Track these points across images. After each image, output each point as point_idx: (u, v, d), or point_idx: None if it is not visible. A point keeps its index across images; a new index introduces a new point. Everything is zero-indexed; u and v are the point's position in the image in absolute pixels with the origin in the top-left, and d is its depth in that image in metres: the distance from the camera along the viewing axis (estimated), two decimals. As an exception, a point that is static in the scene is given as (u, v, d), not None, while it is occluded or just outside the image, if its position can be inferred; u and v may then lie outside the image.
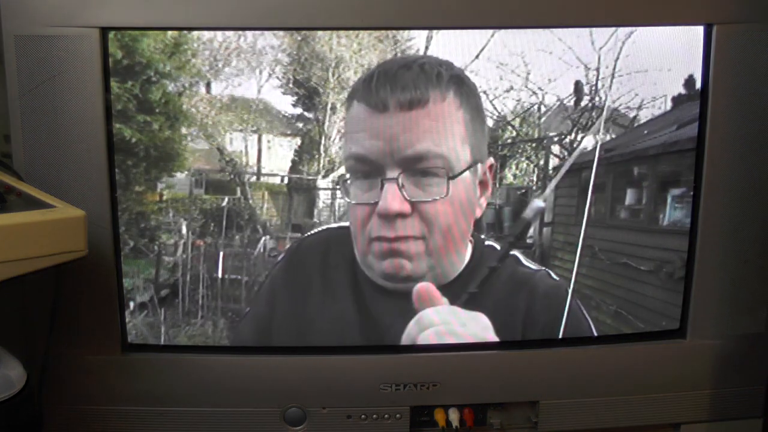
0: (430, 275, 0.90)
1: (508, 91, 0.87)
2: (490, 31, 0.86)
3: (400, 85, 0.85)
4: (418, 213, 0.88)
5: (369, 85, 0.86)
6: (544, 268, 0.92)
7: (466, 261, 0.91)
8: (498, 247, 0.92)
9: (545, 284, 0.92)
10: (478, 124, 0.88)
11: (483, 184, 0.90)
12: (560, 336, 0.93)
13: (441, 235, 0.89)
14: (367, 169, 0.87)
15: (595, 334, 0.94)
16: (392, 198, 0.87)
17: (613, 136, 0.90)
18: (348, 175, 0.89)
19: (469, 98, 0.87)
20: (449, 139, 0.87)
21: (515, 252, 0.92)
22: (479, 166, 0.89)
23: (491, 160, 0.89)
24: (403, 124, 0.85)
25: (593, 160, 0.90)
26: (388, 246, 0.88)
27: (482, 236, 0.91)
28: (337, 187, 0.89)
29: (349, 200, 0.89)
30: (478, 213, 0.90)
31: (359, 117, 0.87)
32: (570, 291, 0.92)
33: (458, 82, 0.86)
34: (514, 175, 0.90)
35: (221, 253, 0.90)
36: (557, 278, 0.92)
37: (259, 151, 0.88)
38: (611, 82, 0.88)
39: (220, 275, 0.91)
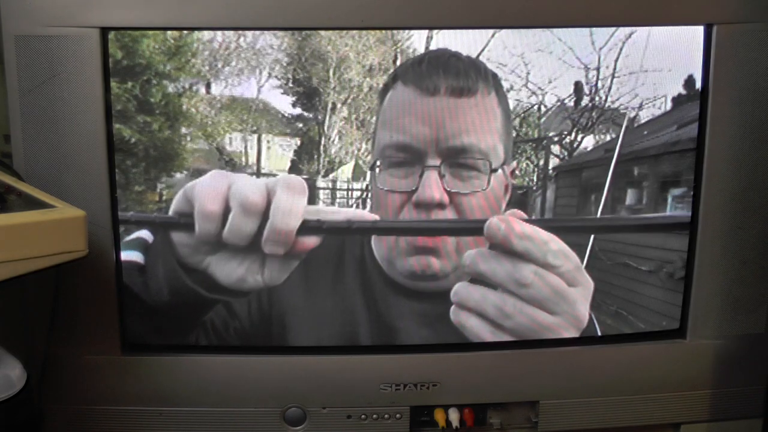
0: (454, 275, 0.90)
1: (508, 91, 0.87)
2: (490, 32, 0.86)
3: (453, 71, 0.85)
4: (454, 205, 0.87)
5: (419, 68, 0.85)
6: None
7: None
8: None
9: None
10: (508, 126, 0.88)
11: (506, 187, 0.90)
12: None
13: None
14: (407, 157, 0.87)
15: (599, 333, 0.94)
16: (435, 186, 0.86)
17: (613, 136, 0.90)
18: (379, 162, 0.88)
19: (504, 99, 0.87)
20: (492, 135, 0.87)
21: None
22: (506, 167, 0.89)
23: (514, 164, 0.89)
24: (451, 110, 0.85)
25: (593, 160, 0.90)
26: (421, 239, 0.88)
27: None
28: (337, 186, 0.89)
29: (381, 187, 0.88)
30: None
31: (405, 101, 0.86)
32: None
33: (498, 82, 0.87)
34: (514, 175, 0.90)
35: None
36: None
37: (259, 150, 0.88)
38: (611, 82, 0.88)
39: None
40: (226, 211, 0.84)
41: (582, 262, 0.90)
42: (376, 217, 0.88)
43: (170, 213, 0.86)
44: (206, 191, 0.84)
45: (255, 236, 0.84)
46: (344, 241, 0.90)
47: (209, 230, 0.84)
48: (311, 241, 0.85)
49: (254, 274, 0.87)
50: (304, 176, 0.88)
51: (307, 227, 0.85)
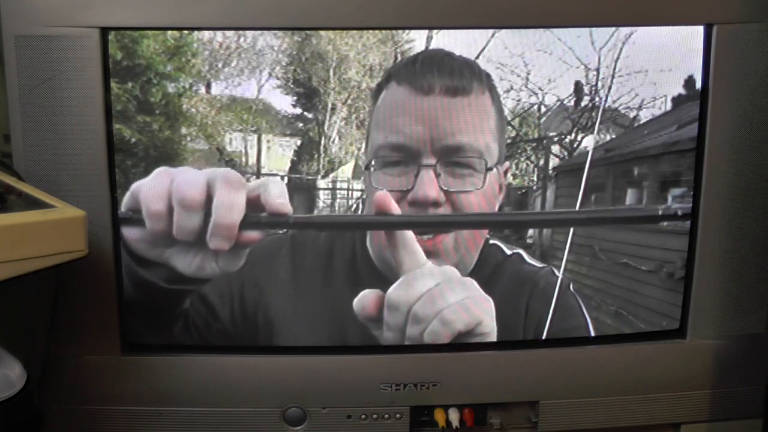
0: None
1: (507, 91, 0.87)
2: (490, 32, 0.86)
3: (447, 70, 0.85)
4: (450, 204, 0.88)
5: (413, 67, 0.85)
6: (548, 265, 0.92)
7: (476, 260, 0.91)
8: (503, 246, 0.91)
9: (546, 281, 0.92)
10: (502, 125, 0.88)
11: (499, 186, 0.90)
12: (546, 327, 0.93)
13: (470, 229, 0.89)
14: (402, 157, 0.87)
15: (593, 333, 0.94)
16: (430, 185, 0.86)
17: (613, 136, 0.90)
18: (374, 162, 0.88)
19: (497, 99, 0.87)
20: (486, 134, 0.87)
21: (519, 250, 0.92)
22: (500, 167, 0.89)
23: (507, 163, 0.89)
24: (445, 110, 0.85)
25: (594, 160, 0.90)
26: (420, 242, 0.87)
27: (486, 236, 0.91)
28: (337, 186, 0.89)
29: (375, 187, 0.87)
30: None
31: (399, 100, 0.86)
32: (559, 280, 0.92)
33: (491, 82, 0.87)
34: (514, 175, 0.90)
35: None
36: (560, 275, 0.92)
37: (259, 151, 0.88)
38: (611, 82, 0.88)
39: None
40: (171, 209, 0.84)
41: (576, 258, 0.91)
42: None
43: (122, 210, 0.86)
44: (150, 191, 0.85)
45: (201, 230, 0.85)
46: (334, 240, 0.90)
47: (160, 228, 0.85)
48: (255, 234, 0.85)
49: (210, 262, 0.87)
50: (304, 176, 0.88)
51: (248, 221, 0.85)
